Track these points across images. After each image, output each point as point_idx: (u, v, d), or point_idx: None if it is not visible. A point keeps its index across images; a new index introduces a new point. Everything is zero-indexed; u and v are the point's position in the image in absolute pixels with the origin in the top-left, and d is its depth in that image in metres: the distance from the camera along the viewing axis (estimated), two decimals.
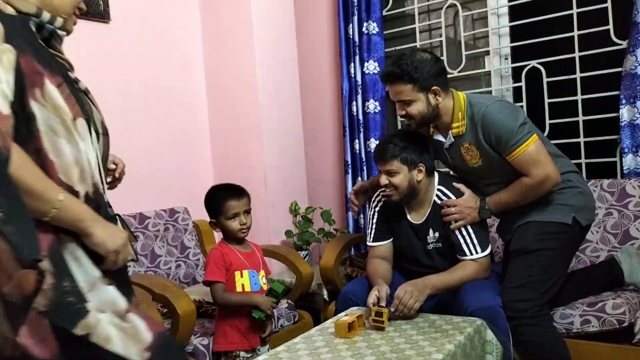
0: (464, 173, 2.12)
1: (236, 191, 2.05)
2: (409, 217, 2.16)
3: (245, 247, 2.08)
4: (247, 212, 2.04)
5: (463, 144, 2.03)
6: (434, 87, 1.98)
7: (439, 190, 2.12)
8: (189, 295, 2.08)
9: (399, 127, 3.34)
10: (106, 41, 2.74)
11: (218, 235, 2.94)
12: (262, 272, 2.07)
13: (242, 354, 1.98)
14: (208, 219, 2.83)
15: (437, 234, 2.11)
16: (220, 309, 2.02)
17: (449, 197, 2.09)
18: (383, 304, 1.86)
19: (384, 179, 2.07)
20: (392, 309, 1.85)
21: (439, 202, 2.10)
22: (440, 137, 2.10)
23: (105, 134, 1.33)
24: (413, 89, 1.96)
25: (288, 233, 3.19)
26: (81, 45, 2.63)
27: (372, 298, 1.88)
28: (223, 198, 2.01)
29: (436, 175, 2.15)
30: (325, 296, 2.77)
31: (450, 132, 2.05)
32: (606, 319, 1.99)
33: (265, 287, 2.05)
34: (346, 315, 1.88)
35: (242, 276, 2.01)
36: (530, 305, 1.89)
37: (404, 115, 2.03)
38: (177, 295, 2.00)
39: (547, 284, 1.95)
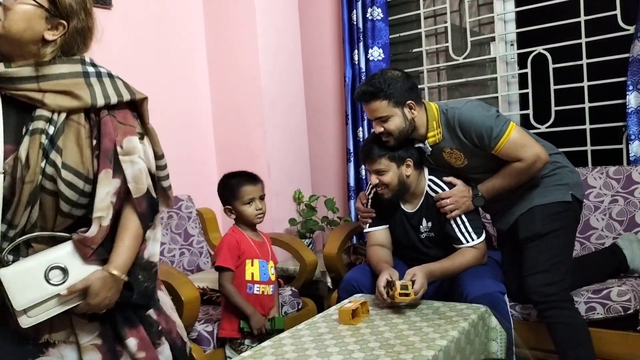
0: (453, 171, 2.12)
1: (251, 177, 2.08)
2: (402, 206, 2.17)
3: (257, 236, 2.10)
4: (262, 197, 2.07)
5: (444, 149, 2.06)
6: (409, 102, 2.01)
7: (430, 180, 2.13)
8: (193, 282, 2.08)
9: None
10: (107, 27, 2.71)
11: (222, 224, 2.95)
12: (271, 263, 2.09)
13: (246, 341, 1.99)
14: (211, 207, 2.86)
15: (429, 224, 2.12)
16: (225, 298, 2.04)
17: (440, 187, 2.10)
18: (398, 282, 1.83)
19: (374, 179, 2.08)
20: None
21: (431, 192, 2.10)
22: (421, 145, 2.10)
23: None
24: (389, 104, 1.99)
25: (292, 221, 3.18)
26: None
27: (383, 281, 1.86)
28: (239, 183, 2.04)
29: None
30: (329, 284, 2.77)
31: (426, 142, 2.07)
32: (611, 306, 1.98)
33: (273, 278, 2.06)
34: (350, 302, 1.87)
35: (252, 265, 2.03)
36: (558, 289, 1.93)
37: (382, 132, 2.04)
38: (181, 282, 2.00)
39: (568, 263, 2.01)
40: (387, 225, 2.24)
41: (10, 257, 1.21)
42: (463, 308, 1.82)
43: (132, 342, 1.30)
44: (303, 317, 2.17)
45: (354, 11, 3.14)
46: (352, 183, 3.26)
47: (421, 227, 2.15)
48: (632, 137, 2.50)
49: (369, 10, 3.11)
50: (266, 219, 3.03)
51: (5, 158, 1.18)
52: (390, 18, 3.17)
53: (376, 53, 3.13)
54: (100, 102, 1.25)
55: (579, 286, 2.10)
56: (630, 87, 2.48)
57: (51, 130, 1.20)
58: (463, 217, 2.05)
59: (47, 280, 1.20)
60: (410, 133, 2.06)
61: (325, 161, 3.51)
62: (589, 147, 2.72)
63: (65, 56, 1.26)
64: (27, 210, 1.20)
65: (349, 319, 1.75)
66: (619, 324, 1.98)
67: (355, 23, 3.15)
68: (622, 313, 1.97)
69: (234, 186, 2.04)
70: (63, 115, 1.22)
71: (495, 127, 1.92)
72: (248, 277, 2.01)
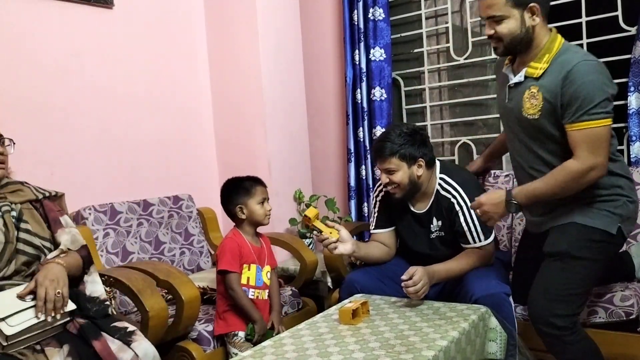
0: (510, 123, 1.89)
1: (259, 179, 2.18)
2: (411, 207, 2.15)
3: (257, 242, 2.15)
4: (268, 200, 2.15)
5: (531, 87, 1.77)
6: (532, 4, 1.72)
7: (441, 179, 2.09)
8: (194, 281, 2.08)
9: (404, 116, 3.33)
10: (109, 27, 2.73)
11: (223, 223, 2.95)
12: (267, 267, 2.13)
13: (240, 333, 2.00)
14: (211, 207, 2.86)
15: (440, 223, 2.10)
16: (221, 294, 2.05)
17: (452, 186, 2.07)
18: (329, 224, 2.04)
19: (384, 178, 2.05)
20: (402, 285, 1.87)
21: (441, 192, 2.08)
22: (509, 73, 1.87)
23: None
24: (507, 3, 1.72)
25: (292, 221, 3.18)
26: (84, 30, 2.63)
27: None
28: (254, 183, 2.12)
29: (437, 163, 2.13)
30: (329, 284, 2.77)
31: (524, 69, 1.80)
32: (613, 310, 1.97)
33: (267, 283, 2.12)
34: (350, 302, 1.87)
35: (249, 269, 2.07)
36: (567, 322, 1.74)
37: (492, 35, 1.79)
38: (181, 281, 2.00)
39: (584, 297, 1.81)
40: (393, 228, 2.23)
41: None
42: (463, 308, 1.82)
43: (97, 347, 1.57)
44: (303, 317, 2.17)
45: (355, 11, 3.14)
46: (352, 183, 3.26)
47: (432, 226, 2.12)
48: (633, 138, 2.49)
49: (371, 10, 3.11)
50: None
51: None
52: (391, 18, 3.17)
53: (377, 53, 3.13)
54: (40, 196, 1.83)
55: None
56: (632, 89, 2.48)
57: (14, 213, 1.72)
58: (474, 216, 2.02)
59: (21, 299, 1.57)
60: (520, 47, 1.79)
61: (325, 161, 3.51)
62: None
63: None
64: (7, 266, 1.65)
65: (349, 319, 1.75)
66: (619, 325, 1.98)
67: (356, 23, 3.15)
68: (624, 318, 1.96)
69: (249, 186, 2.11)
70: (19, 205, 1.75)
71: (596, 106, 1.65)
72: (244, 281, 2.06)
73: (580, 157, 1.67)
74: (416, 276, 1.84)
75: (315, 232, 1.95)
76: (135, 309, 1.88)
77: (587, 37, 2.66)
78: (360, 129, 3.21)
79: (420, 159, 2.03)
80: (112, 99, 2.73)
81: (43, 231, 1.75)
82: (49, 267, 1.62)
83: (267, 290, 2.12)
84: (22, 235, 1.68)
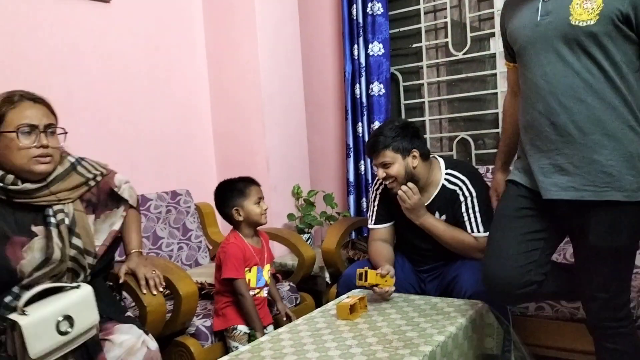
0: (545, 48, 1.44)
1: (254, 179, 2.16)
2: None
3: (257, 242, 2.15)
4: (263, 199, 2.15)
5: None
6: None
7: (447, 174, 2.11)
8: (192, 277, 2.08)
9: (403, 111, 3.32)
10: (106, 21, 2.71)
11: (221, 219, 2.94)
12: (267, 266, 2.15)
13: (239, 327, 2.01)
14: (209, 202, 2.85)
15: (443, 217, 2.11)
16: (219, 292, 2.06)
17: (459, 178, 2.08)
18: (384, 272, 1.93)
19: (381, 172, 2.07)
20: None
21: (449, 186, 2.09)
22: None
23: None
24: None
25: (290, 216, 3.18)
26: (81, 25, 2.61)
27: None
28: (248, 184, 2.11)
29: (441, 160, 2.14)
30: (327, 279, 2.77)
31: None
32: None
33: (268, 281, 2.14)
34: (348, 297, 1.88)
35: (250, 271, 2.08)
36: (626, 311, 1.54)
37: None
38: (179, 276, 1.99)
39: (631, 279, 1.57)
40: (393, 222, 2.23)
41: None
42: (461, 304, 1.83)
43: None
44: (301, 312, 2.17)
45: (354, 6, 3.13)
46: (351, 178, 3.25)
47: None
48: None
49: (369, 4, 3.09)
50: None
51: (21, 247, 1.47)
52: (390, 13, 3.16)
53: (376, 48, 3.12)
54: (92, 184, 1.66)
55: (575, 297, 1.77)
56: None
57: (67, 221, 1.54)
58: (476, 207, 2.04)
59: (58, 330, 1.36)
60: None
61: (324, 156, 3.51)
62: None
63: None
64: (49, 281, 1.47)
65: (347, 314, 1.75)
66: None
67: (355, 18, 3.14)
68: None
69: (244, 187, 2.10)
70: (71, 206, 1.57)
71: None
72: None
73: None
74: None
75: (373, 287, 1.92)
76: (133, 303, 1.88)
77: None
78: (360, 124, 3.21)
79: (414, 149, 2.05)
80: (109, 94, 2.72)
81: (92, 244, 1.60)
82: (138, 257, 1.80)
83: (265, 288, 2.13)
84: (72, 252, 1.53)
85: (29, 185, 1.50)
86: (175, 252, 2.69)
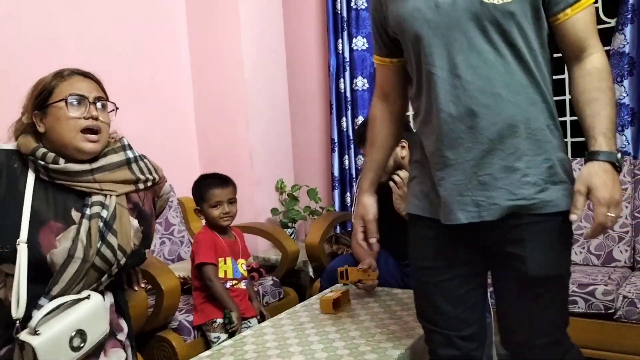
0: (450, 34, 1.14)
1: (221, 180, 2.11)
2: None
3: (229, 236, 2.14)
4: (232, 201, 2.10)
5: None
6: None
7: None
8: (174, 271, 2.07)
9: None
10: (88, 16, 2.67)
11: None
12: (242, 260, 2.14)
13: (218, 320, 2.00)
14: (192, 197, 2.83)
15: None
16: (197, 287, 2.05)
17: None
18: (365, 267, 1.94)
19: None
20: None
21: None
22: None
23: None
24: None
25: (274, 211, 3.18)
26: (62, 19, 2.57)
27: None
28: (208, 186, 2.08)
29: None
30: (311, 273, 2.77)
31: None
32: (594, 303, 2.01)
33: (245, 274, 2.13)
34: (331, 291, 1.88)
35: (225, 263, 2.07)
36: (565, 349, 1.26)
37: None
38: (161, 271, 1.98)
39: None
40: (377, 217, 2.23)
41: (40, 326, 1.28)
42: None
43: None
44: (284, 307, 2.17)
45: (339, 0, 3.12)
46: (336, 173, 3.26)
47: None
48: None
49: None
50: (248, 208, 3.04)
51: (56, 235, 1.32)
52: None
53: (360, 42, 3.12)
54: (142, 186, 1.49)
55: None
56: None
57: (105, 214, 1.37)
58: None
59: (71, 346, 1.29)
60: None
61: (308, 151, 3.50)
62: (569, 139, 2.75)
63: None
64: (72, 285, 1.33)
65: (330, 309, 1.75)
66: (596, 314, 2.02)
67: (339, 12, 3.13)
68: (603, 311, 2.00)
69: (203, 188, 2.09)
70: (114, 199, 1.40)
71: None
72: (221, 274, 2.06)
73: (593, 47, 1.14)
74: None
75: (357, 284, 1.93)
76: None
77: None
78: (344, 118, 3.21)
79: (403, 140, 2.05)
80: None
81: (128, 244, 1.41)
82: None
83: (243, 281, 2.12)
84: (104, 250, 1.35)
85: (70, 166, 1.36)
86: (158, 246, 2.67)
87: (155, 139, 2.99)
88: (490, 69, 1.12)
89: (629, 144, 2.50)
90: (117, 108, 1.48)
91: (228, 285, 2.06)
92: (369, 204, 1.40)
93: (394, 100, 1.38)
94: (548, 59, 1.17)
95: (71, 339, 1.28)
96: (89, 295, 1.35)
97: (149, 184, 1.51)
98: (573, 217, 1.07)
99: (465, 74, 1.12)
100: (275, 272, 2.64)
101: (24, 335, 1.23)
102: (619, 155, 1.09)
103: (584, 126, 1.12)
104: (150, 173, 1.52)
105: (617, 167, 1.08)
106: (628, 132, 2.50)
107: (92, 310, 1.34)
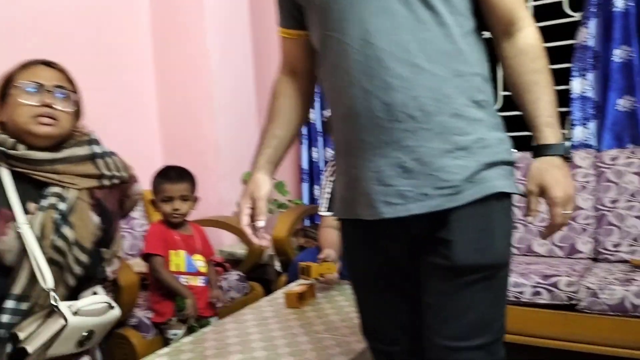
0: (362, 6, 0.98)
1: (176, 175, 2.05)
2: None
3: (184, 230, 2.08)
4: (185, 198, 2.04)
5: None
6: None
7: None
8: (135, 267, 2.00)
9: None
10: None
11: None
12: (199, 256, 2.07)
13: (173, 319, 1.95)
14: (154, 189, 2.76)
15: None
16: (154, 283, 1.99)
17: None
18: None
19: None
20: None
21: None
22: None
23: None
24: None
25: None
26: (19, 1, 2.46)
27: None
28: (162, 180, 2.04)
29: None
30: (278, 267, 2.73)
31: None
32: (557, 294, 2.02)
33: (201, 270, 2.05)
34: (297, 285, 1.85)
35: (177, 256, 2.01)
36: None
37: None
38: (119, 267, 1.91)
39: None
40: None
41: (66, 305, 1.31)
42: None
43: None
44: (250, 302, 2.12)
45: None
46: (304, 166, 3.22)
47: None
48: (576, 122, 2.55)
49: None
50: (213, 201, 2.98)
51: (6, 222, 1.30)
52: None
53: None
54: (106, 183, 1.45)
55: None
56: (575, 73, 2.53)
57: (62, 206, 1.34)
58: None
59: (80, 341, 1.33)
60: None
61: None
62: None
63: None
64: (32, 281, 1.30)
65: (295, 303, 1.72)
66: (560, 304, 2.03)
67: None
68: (566, 302, 2.01)
69: (157, 181, 2.05)
70: (74, 193, 1.37)
71: None
72: (173, 268, 1.99)
73: (529, 21, 1.04)
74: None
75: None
76: None
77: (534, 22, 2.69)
78: (312, 110, 3.17)
79: None
80: None
81: (86, 239, 1.36)
82: None
83: (200, 277, 2.05)
84: (57, 242, 1.32)
85: (30, 153, 1.34)
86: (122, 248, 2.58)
87: (114, 129, 2.88)
88: (406, 34, 0.95)
89: (592, 136, 2.54)
90: (76, 97, 1.45)
91: (182, 280, 2.00)
92: (261, 180, 1.18)
93: (302, 77, 1.21)
94: (475, 27, 1.01)
95: (83, 336, 1.33)
96: (114, 306, 1.42)
97: (115, 181, 1.47)
98: (529, 219, 1.04)
99: (378, 41, 0.96)
100: (241, 267, 2.59)
101: (65, 308, 1.28)
102: (567, 144, 0.99)
103: (526, 114, 1.01)
104: (118, 170, 1.49)
105: (567, 159, 0.98)
106: (592, 124, 2.53)
107: (108, 320, 1.40)
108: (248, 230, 1.17)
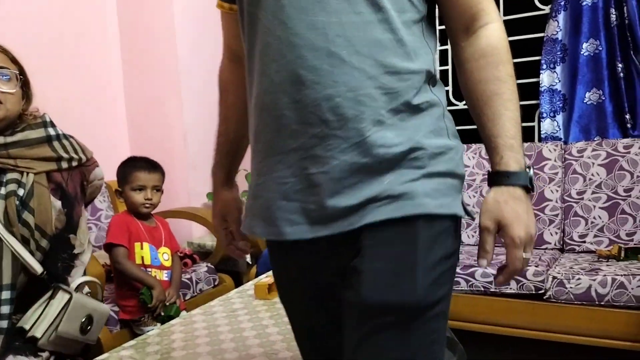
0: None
1: (149, 164, 2.02)
2: None
3: (149, 222, 2.04)
4: (157, 189, 2.01)
5: None
6: None
7: None
8: (100, 259, 1.95)
9: None
10: None
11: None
12: (165, 249, 2.03)
13: (145, 316, 1.90)
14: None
15: None
16: (117, 277, 1.93)
17: None
18: None
19: None
20: None
21: None
22: None
23: None
24: None
25: (210, 195, 3.05)
26: None
27: None
28: (133, 168, 1.99)
29: None
30: (248, 259, 2.70)
31: None
32: (525, 284, 2.04)
33: (166, 264, 2.01)
34: (267, 277, 1.83)
35: (142, 248, 1.97)
36: None
37: None
38: None
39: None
40: None
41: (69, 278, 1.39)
42: None
43: None
44: (219, 294, 2.09)
45: None
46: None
47: None
48: (544, 115, 2.59)
49: None
50: (182, 192, 2.93)
51: None
52: None
53: None
54: (65, 165, 1.42)
55: None
56: (544, 66, 2.56)
57: (21, 192, 1.32)
58: None
59: (82, 325, 1.37)
60: None
61: None
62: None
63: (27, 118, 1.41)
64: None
65: (265, 294, 1.70)
66: (527, 294, 2.06)
67: None
68: (534, 292, 2.04)
69: (128, 169, 1.99)
70: (32, 177, 1.34)
71: None
72: (138, 260, 1.95)
73: (495, 16, 0.82)
74: None
75: None
76: None
77: (504, 15, 2.71)
78: None
79: None
80: None
81: (46, 223, 1.33)
82: None
83: (165, 271, 2.00)
84: (20, 229, 1.29)
85: None
86: (92, 238, 2.51)
87: (79, 118, 2.80)
88: (327, 15, 0.74)
89: (560, 129, 2.57)
90: (22, 78, 1.40)
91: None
92: (230, 199, 1.07)
93: None
94: (424, 16, 0.81)
95: (82, 322, 1.36)
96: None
97: (74, 163, 1.44)
98: (482, 262, 0.81)
99: (292, 21, 0.75)
100: (210, 259, 2.55)
101: (64, 287, 1.33)
102: (530, 172, 0.80)
103: (483, 132, 0.81)
104: (76, 153, 1.46)
105: (529, 190, 0.80)
106: (560, 117, 2.56)
107: (102, 309, 1.44)
108: (231, 252, 1.08)
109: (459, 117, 2.91)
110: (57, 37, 2.70)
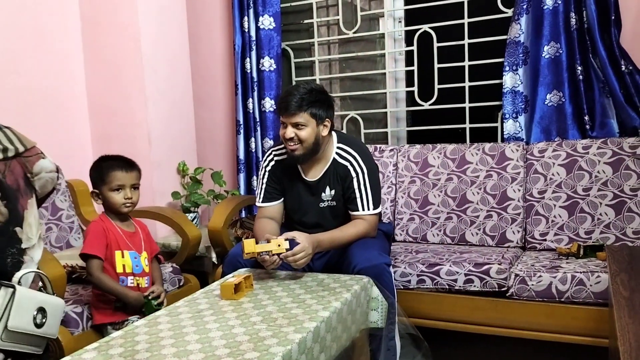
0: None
1: (125, 163, 1.94)
2: (303, 175, 2.12)
3: (128, 226, 1.98)
4: (135, 187, 1.95)
5: None
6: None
7: (338, 148, 2.09)
8: (62, 260, 1.89)
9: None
10: None
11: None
12: (145, 254, 1.98)
13: (131, 318, 1.86)
14: (83, 179, 2.62)
15: (332, 192, 2.09)
16: (93, 286, 1.89)
17: (350, 153, 2.08)
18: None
19: (290, 132, 1.99)
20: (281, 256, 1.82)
21: (339, 159, 2.08)
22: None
23: None
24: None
25: (175, 194, 3.02)
26: None
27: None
28: (110, 167, 1.90)
29: (334, 134, 2.13)
30: (214, 259, 2.67)
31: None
32: (488, 281, 2.08)
33: (147, 270, 1.97)
34: (233, 276, 1.81)
35: (123, 256, 1.91)
36: None
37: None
38: (44, 259, 1.79)
39: None
40: (281, 200, 2.18)
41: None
42: (347, 279, 1.82)
43: None
44: (185, 294, 2.05)
45: None
46: (241, 156, 3.16)
47: (323, 195, 2.10)
48: (507, 115, 2.64)
49: None
50: (147, 191, 2.87)
51: None
52: None
53: (267, 21, 3.03)
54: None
55: None
56: (507, 68, 2.62)
57: None
58: (367, 184, 2.04)
59: (34, 319, 1.38)
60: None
61: (212, 132, 3.37)
62: (467, 125, 2.84)
63: None
64: None
65: (231, 294, 1.68)
66: (490, 291, 2.10)
67: None
68: (497, 289, 2.08)
69: (104, 169, 1.90)
70: None
71: None
72: (119, 269, 1.88)
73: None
74: (297, 247, 1.81)
75: (262, 255, 1.80)
76: None
77: (469, 17, 2.75)
78: (250, 99, 3.11)
79: (327, 119, 2.02)
80: None
81: None
82: None
83: (146, 278, 1.96)
84: None
85: None
86: (44, 233, 2.44)
87: (39, 115, 2.72)
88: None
89: (522, 130, 2.63)
90: None
91: (129, 281, 1.89)
92: None
93: None
94: None
95: (35, 315, 1.38)
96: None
97: (10, 154, 1.42)
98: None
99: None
100: (175, 259, 2.52)
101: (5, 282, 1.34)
102: None
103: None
104: (12, 143, 1.42)
105: None
106: (522, 118, 2.62)
107: (55, 302, 1.46)
108: None
109: (424, 117, 3.00)
110: (16, 32, 2.61)
